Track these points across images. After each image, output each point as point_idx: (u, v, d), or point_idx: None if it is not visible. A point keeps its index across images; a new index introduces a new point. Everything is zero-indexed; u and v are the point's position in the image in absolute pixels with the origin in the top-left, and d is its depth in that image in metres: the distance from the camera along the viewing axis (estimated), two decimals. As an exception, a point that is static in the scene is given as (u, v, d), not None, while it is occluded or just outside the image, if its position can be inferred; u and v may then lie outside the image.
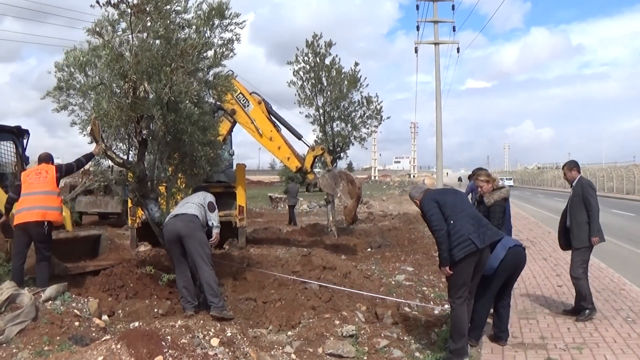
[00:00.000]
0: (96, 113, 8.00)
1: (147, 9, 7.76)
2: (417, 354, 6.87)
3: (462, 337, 6.44)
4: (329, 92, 18.37)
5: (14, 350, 6.23)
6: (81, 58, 7.90)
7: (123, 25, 7.99)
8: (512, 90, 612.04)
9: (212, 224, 8.29)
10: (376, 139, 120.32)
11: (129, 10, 7.81)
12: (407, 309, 8.66)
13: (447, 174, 47.98)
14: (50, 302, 7.41)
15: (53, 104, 8.29)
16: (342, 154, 19.30)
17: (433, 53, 44.39)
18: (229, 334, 6.73)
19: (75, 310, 7.34)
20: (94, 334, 6.92)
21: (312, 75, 18.35)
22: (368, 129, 19.53)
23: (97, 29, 7.81)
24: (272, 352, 6.59)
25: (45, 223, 8.75)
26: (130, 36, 7.95)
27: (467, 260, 6.29)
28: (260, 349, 6.58)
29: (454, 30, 47.07)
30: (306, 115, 18.81)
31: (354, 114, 18.81)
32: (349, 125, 18.81)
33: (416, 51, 46.51)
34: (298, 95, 18.69)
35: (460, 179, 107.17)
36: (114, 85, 7.98)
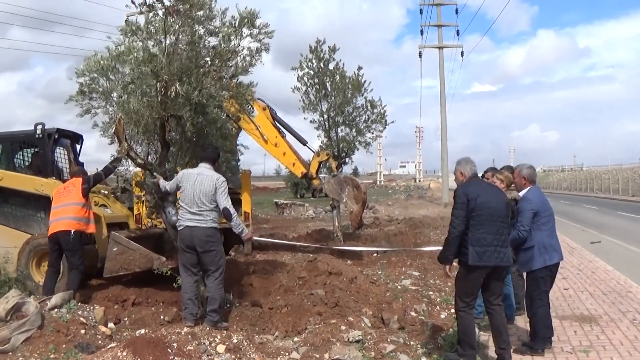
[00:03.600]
0: (124, 112, 8.02)
1: (180, 9, 7.81)
2: (423, 358, 6.85)
3: (469, 345, 6.42)
4: (333, 98, 18.34)
5: (20, 358, 6.24)
6: (102, 62, 7.95)
7: (156, 26, 8.03)
8: (517, 93, 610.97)
9: (235, 231, 8.08)
10: (381, 143, 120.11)
11: (164, 11, 7.86)
12: (413, 313, 8.63)
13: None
14: (56, 310, 7.44)
15: (76, 108, 8.33)
16: (347, 159, 19.25)
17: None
18: (235, 341, 6.73)
19: (81, 318, 7.36)
20: (100, 342, 6.93)
21: (316, 80, 18.32)
22: (373, 133, 19.48)
23: (133, 28, 7.87)
24: (279, 358, 6.58)
25: (72, 232, 9.00)
26: (162, 37, 7.99)
27: (477, 270, 6.27)
28: (266, 355, 6.58)
29: (457, 34, 46.92)
30: (310, 121, 18.76)
31: (358, 118, 18.77)
32: (353, 130, 18.76)
33: (420, 55, 46.40)
34: (302, 101, 18.67)
35: None
36: (144, 85, 8.00)
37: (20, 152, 11.82)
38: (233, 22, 8.41)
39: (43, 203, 10.75)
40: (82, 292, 9.26)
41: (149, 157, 9.18)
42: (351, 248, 15.00)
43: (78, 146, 12.41)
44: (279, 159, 15.77)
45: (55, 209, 9.28)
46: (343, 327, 7.40)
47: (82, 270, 9.15)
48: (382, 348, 6.91)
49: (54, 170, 11.24)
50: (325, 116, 18.43)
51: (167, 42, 7.96)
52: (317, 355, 6.67)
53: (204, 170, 7.92)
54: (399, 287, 10.49)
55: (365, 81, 18.63)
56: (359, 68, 18.84)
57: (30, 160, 11.66)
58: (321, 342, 6.99)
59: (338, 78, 18.17)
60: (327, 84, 18.26)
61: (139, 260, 9.42)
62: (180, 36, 8.01)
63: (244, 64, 8.79)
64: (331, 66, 18.24)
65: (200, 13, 8.09)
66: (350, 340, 7.04)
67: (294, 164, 15.68)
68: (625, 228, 22.37)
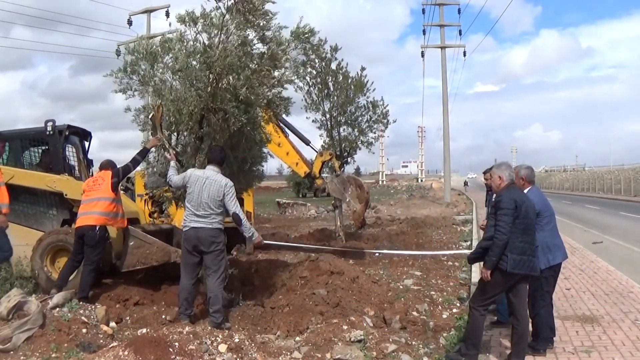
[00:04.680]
0: (169, 99, 8.04)
1: (241, 8, 7.89)
2: (425, 358, 6.85)
3: (474, 345, 6.41)
4: (335, 97, 18.33)
5: (22, 357, 6.23)
6: (154, 47, 8.01)
7: (213, 20, 8.10)
8: (520, 93, 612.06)
9: (245, 235, 8.09)
10: (383, 143, 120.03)
11: (226, 5, 7.99)
12: (415, 313, 8.63)
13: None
14: (57, 309, 7.44)
15: (114, 84, 8.39)
16: (349, 159, 19.27)
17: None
18: (237, 340, 6.73)
19: (83, 317, 7.36)
20: (101, 341, 6.93)
21: (319, 80, 18.30)
22: (375, 133, 19.47)
23: (193, 17, 7.94)
24: (280, 358, 6.58)
25: (97, 227, 8.93)
26: (217, 31, 8.06)
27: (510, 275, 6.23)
28: (268, 355, 6.57)
29: (460, 33, 46.75)
30: (313, 120, 18.78)
31: (360, 118, 18.76)
32: (355, 129, 18.76)
33: (423, 55, 46.45)
34: (305, 100, 18.65)
35: (466, 183, 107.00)
36: (193, 77, 8.06)
37: (30, 150, 11.77)
38: (290, 34, 8.53)
39: (55, 200, 10.76)
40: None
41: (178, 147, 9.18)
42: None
43: (87, 143, 12.39)
44: (282, 158, 15.77)
45: (84, 203, 9.22)
46: (345, 327, 7.40)
47: (96, 268, 9.04)
48: (383, 348, 6.91)
49: (66, 166, 11.21)
50: (328, 116, 18.42)
51: (222, 37, 8.05)
52: (319, 355, 6.67)
53: (212, 174, 7.84)
54: (401, 286, 10.50)
55: (368, 81, 18.64)
56: (362, 69, 18.86)
57: (39, 157, 11.62)
58: (323, 342, 6.98)
59: (341, 78, 18.16)
60: (330, 84, 18.25)
61: (156, 253, 9.41)
62: (232, 36, 8.05)
63: (289, 75, 8.83)
64: (333, 66, 18.24)
65: (259, 20, 8.18)
66: (352, 340, 7.03)
67: (297, 164, 15.68)
68: (627, 228, 22.33)
